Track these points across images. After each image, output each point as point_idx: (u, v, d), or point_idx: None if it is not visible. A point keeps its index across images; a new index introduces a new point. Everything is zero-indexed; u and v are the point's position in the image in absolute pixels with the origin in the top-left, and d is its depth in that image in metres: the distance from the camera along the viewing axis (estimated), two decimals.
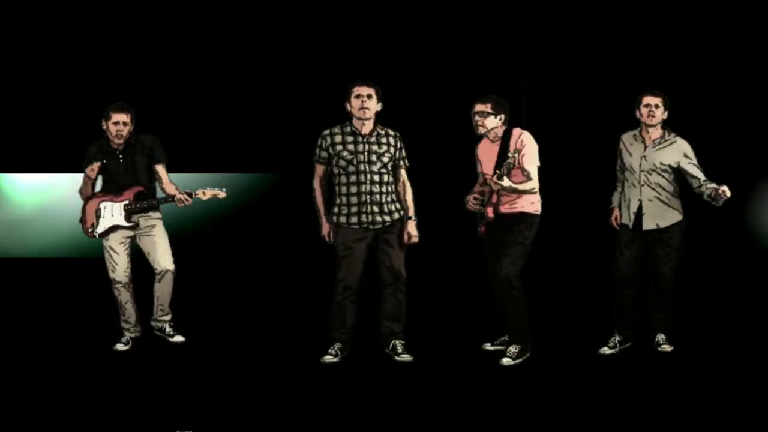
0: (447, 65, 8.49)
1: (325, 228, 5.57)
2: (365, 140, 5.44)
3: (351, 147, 5.43)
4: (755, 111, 8.09)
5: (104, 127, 5.75)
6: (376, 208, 5.44)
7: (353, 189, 5.44)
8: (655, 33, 8.04)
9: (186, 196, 5.77)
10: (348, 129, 5.46)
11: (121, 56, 8.38)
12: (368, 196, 5.43)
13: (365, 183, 5.42)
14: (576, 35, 8.23)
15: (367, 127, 5.45)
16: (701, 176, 5.50)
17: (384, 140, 5.48)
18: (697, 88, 7.89)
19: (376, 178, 5.44)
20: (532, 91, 8.35)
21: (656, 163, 5.57)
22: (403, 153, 5.57)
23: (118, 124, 5.68)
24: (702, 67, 8.05)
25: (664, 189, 5.59)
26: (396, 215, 5.51)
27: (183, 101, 8.60)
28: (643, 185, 5.59)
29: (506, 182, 5.33)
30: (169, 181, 5.90)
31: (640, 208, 5.60)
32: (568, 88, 8.30)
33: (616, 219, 5.79)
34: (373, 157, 5.43)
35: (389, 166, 5.49)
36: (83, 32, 8.35)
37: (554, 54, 8.31)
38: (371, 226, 5.45)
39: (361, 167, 5.41)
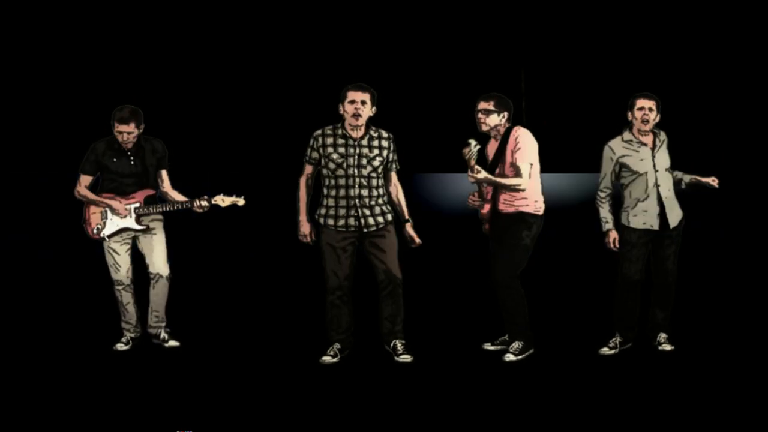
0: (447, 65, 8.50)
1: (305, 228, 5.50)
2: (356, 144, 5.39)
3: (342, 150, 5.38)
4: (750, 112, 8.11)
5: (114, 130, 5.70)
6: (367, 212, 5.41)
7: (342, 192, 5.40)
8: (653, 33, 8.06)
9: (205, 203, 5.70)
10: (340, 131, 5.41)
11: (121, 57, 8.39)
12: (358, 200, 5.39)
13: (354, 187, 5.38)
14: (576, 35, 8.24)
15: (359, 131, 5.41)
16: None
17: (376, 143, 5.43)
18: (691, 89, 7.90)
19: (365, 182, 5.40)
20: (533, 90, 8.36)
21: (664, 163, 5.57)
22: (395, 156, 5.52)
23: (122, 134, 5.63)
24: (696, 68, 8.07)
25: (671, 188, 5.60)
26: (386, 218, 5.48)
27: (183, 101, 8.61)
28: (659, 185, 5.54)
29: (481, 174, 5.30)
30: (171, 186, 5.87)
31: (663, 208, 5.56)
32: (567, 86, 8.31)
33: (614, 241, 5.62)
34: (364, 161, 5.38)
35: (379, 170, 5.45)
36: (81, 32, 8.35)
37: (554, 52, 8.32)
38: (365, 230, 5.42)
39: (351, 171, 5.37)
